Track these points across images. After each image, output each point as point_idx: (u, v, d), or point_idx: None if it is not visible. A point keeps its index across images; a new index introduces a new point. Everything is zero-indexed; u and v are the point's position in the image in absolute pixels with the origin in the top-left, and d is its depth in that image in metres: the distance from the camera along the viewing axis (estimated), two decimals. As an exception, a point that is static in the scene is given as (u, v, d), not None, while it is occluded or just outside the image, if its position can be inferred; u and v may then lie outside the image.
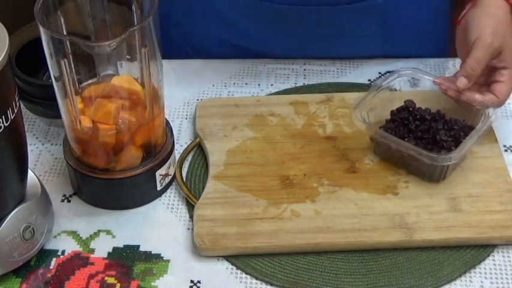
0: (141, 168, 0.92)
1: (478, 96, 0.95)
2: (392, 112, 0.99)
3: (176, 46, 1.18)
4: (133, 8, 0.89)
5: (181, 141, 1.03)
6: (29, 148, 0.92)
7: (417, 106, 0.99)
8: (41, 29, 0.81)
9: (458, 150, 0.91)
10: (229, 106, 1.05)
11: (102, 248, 0.91)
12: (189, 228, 0.92)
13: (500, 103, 0.95)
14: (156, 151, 0.93)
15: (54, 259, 0.89)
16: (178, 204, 0.95)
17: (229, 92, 1.10)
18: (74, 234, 0.92)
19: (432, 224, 0.90)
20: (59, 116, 0.91)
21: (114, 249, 0.90)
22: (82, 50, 0.84)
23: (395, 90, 1.01)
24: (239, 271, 0.88)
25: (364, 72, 1.13)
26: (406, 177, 0.95)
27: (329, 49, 1.14)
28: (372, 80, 1.11)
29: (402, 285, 0.86)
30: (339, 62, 1.15)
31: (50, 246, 0.91)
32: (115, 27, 0.90)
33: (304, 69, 1.14)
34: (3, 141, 0.78)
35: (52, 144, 1.03)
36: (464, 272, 0.87)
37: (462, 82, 0.95)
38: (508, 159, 0.98)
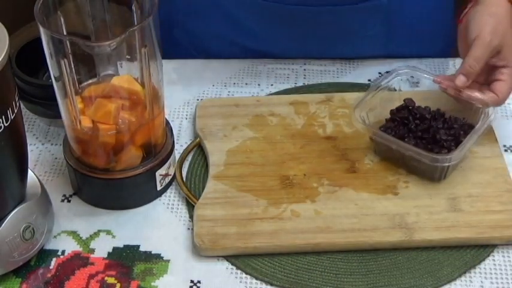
0: (141, 168, 0.92)
1: (477, 95, 0.95)
2: (391, 111, 0.99)
3: (180, 46, 1.18)
4: (133, 8, 0.89)
5: (181, 141, 1.03)
6: (29, 148, 0.92)
7: (417, 105, 0.99)
8: (41, 29, 0.81)
9: (459, 150, 0.91)
10: (229, 106, 1.05)
11: (102, 248, 0.91)
12: (189, 228, 0.92)
13: (500, 101, 0.96)
14: (156, 151, 0.93)
15: (54, 259, 0.89)
16: (178, 204, 0.95)
17: (229, 92, 1.10)
18: (74, 234, 0.92)
19: (432, 224, 0.90)
20: (59, 116, 0.91)
21: (114, 249, 0.90)
22: (82, 50, 0.84)
23: (395, 90, 1.01)
24: (239, 271, 0.88)
25: (364, 72, 1.13)
26: (406, 177, 0.96)
27: (333, 49, 1.14)
28: (372, 80, 1.11)
29: (402, 285, 0.86)
30: (339, 62, 1.15)
31: (50, 246, 0.91)
32: (115, 27, 0.90)
33: (304, 69, 1.14)
34: (3, 141, 0.78)
35: (52, 144, 1.03)
36: (464, 272, 0.87)
37: (461, 80, 0.95)
38: (508, 159, 0.98)
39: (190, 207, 0.94)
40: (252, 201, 0.93)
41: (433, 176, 0.94)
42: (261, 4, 1.08)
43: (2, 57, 0.74)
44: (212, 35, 1.15)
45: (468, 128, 0.95)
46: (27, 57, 1.00)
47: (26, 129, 0.91)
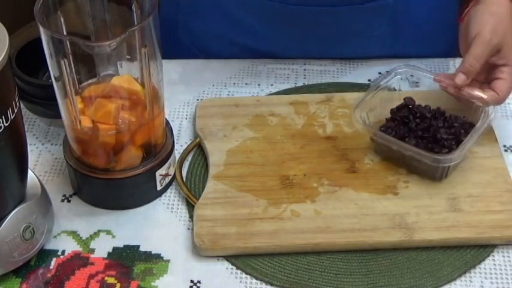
0: (141, 168, 0.92)
1: (478, 93, 0.95)
2: (392, 110, 0.99)
3: (182, 46, 1.18)
4: (134, 8, 0.89)
5: (181, 141, 1.03)
6: (29, 148, 0.92)
7: (417, 103, 0.99)
8: (41, 29, 0.81)
9: (459, 150, 0.91)
10: (229, 106, 1.05)
11: (102, 248, 0.91)
12: (189, 228, 0.92)
13: (500, 100, 0.96)
14: (156, 151, 0.93)
15: (54, 259, 0.89)
16: (178, 204, 0.95)
17: (229, 92, 1.10)
18: (74, 234, 0.92)
19: (432, 224, 0.90)
20: (59, 116, 0.91)
21: (114, 249, 0.90)
22: (82, 50, 0.84)
23: (395, 90, 1.01)
24: (239, 271, 0.88)
25: (364, 72, 1.13)
26: (406, 177, 0.96)
27: (339, 49, 1.13)
28: (372, 80, 1.11)
29: (402, 285, 0.86)
30: (339, 62, 1.15)
31: (50, 246, 0.91)
32: (115, 27, 0.90)
33: (304, 69, 1.14)
34: (3, 141, 0.78)
35: (52, 144, 1.03)
36: (464, 272, 0.87)
37: (460, 78, 0.95)
38: (508, 159, 0.98)
39: (190, 207, 0.94)
40: (252, 201, 0.93)
41: (434, 175, 0.94)
42: (264, 4, 1.08)
43: (2, 57, 0.74)
44: (213, 34, 1.15)
45: (469, 126, 0.95)
46: (27, 57, 1.00)
47: (26, 129, 0.91)
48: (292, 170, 0.97)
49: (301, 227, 0.90)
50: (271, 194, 0.94)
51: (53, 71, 0.86)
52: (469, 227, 0.90)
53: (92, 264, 0.89)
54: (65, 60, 0.84)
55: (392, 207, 0.92)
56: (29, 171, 0.89)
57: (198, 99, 1.09)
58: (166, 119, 0.96)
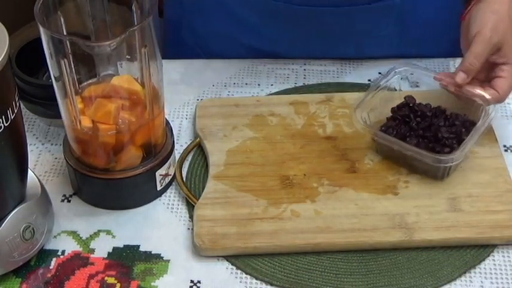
0: (141, 168, 0.92)
1: (478, 91, 0.95)
2: (393, 109, 0.99)
3: (187, 47, 1.18)
4: (133, 8, 0.89)
5: (181, 141, 1.03)
6: (29, 148, 0.92)
7: (417, 102, 0.99)
8: (41, 29, 0.81)
9: (460, 150, 0.91)
10: (229, 106, 1.05)
11: (102, 248, 0.91)
12: (189, 228, 0.92)
13: (500, 98, 0.96)
14: (156, 151, 0.93)
15: (54, 259, 0.89)
16: (178, 204, 0.95)
17: (229, 92, 1.10)
18: (74, 234, 0.92)
19: (432, 224, 0.90)
20: (59, 116, 0.91)
21: (114, 249, 0.90)
22: (82, 50, 0.84)
23: (395, 90, 1.01)
24: (239, 271, 0.88)
25: (364, 72, 1.13)
26: (406, 177, 0.96)
27: (345, 49, 1.13)
28: (372, 80, 1.11)
29: (402, 285, 0.86)
30: (339, 62, 1.15)
31: (50, 246, 0.91)
32: (115, 27, 0.90)
33: (304, 69, 1.14)
34: (3, 141, 0.78)
35: (52, 144, 1.03)
36: (464, 272, 0.87)
37: (461, 77, 0.95)
38: (508, 159, 0.98)
39: (190, 207, 0.94)
40: (252, 201, 0.93)
41: (436, 174, 0.94)
42: (270, 5, 1.08)
43: (2, 57, 0.74)
44: (217, 34, 1.15)
45: (470, 124, 0.95)
46: (27, 57, 1.00)
47: (26, 129, 0.91)
48: (292, 170, 0.97)
49: (301, 227, 0.90)
50: (271, 194, 0.94)
51: (53, 71, 0.86)
52: (469, 227, 0.90)
53: (92, 264, 0.89)
54: (65, 60, 0.84)
55: (392, 207, 0.92)
56: (29, 171, 0.89)
57: (198, 99, 1.09)
58: (166, 119, 0.96)
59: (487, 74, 0.98)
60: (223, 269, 0.88)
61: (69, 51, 0.84)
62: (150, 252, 0.90)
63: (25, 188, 0.87)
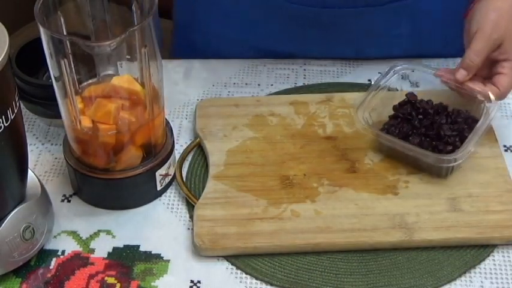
0: (141, 168, 0.92)
1: (479, 87, 0.95)
2: (394, 107, 0.99)
3: (198, 51, 1.18)
4: (133, 8, 0.89)
5: (181, 141, 1.03)
6: (29, 148, 0.92)
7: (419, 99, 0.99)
8: (41, 29, 0.81)
9: (462, 149, 0.91)
10: (229, 106, 1.05)
11: (102, 248, 0.91)
12: (189, 228, 0.92)
13: (501, 95, 0.96)
14: (156, 151, 0.93)
15: (54, 259, 0.89)
16: (178, 204, 0.95)
17: (229, 92, 1.10)
18: (74, 234, 0.92)
19: (432, 224, 0.90)
20: (59, 116, 0.91)
21: (114, 249, 0.90)
22: (82, 50, 0.84)
23: (396, 90, 1.01)
24: (239, 271, 0.88)
25: (364, 72, 1.13)
26: (406, 177, 0.96)
27: (359, 50, 1.13)
28: (372, 80, 1.11)
29: (402, 285, 0.86)
30: (339, 62, 1.15)
31: (50, 246, 0.91)
32: (115, 27, 0.90)
33: (304, 69, 1.14)
34: (3, 141, 0.78)
35: (52, 144, 1.03)
36: (464, 272, 0.87)
37: (461, 74, 0.95)
38: (508, 159, 0.98)
39: (190, 207, 0.94)
40: (252, 201, 0.93)
41: (439, 172, 0.94)
42: (282, 6, 1.07)
43: (2, 57, 0.74)
44: (230, 38, 1.15)
45: (472, 121, 0.95)
46: (27, 57, 1.00)
47: (26, 129, 0.91)
48: (292, 170, 0.97)
49: (301, 227, 0.90)
50: (271, 194, 0.94)
51: (53, 71, 0.86)
52: (469, 227, 0.90)
53: (92, 264, 0.89)
54: (65, 60, 0.84)
55: (392, 207, 0.92)
56: (29, 171, 0.89)
57: (198, 99, 1.09)
58: (166, 119, 0.96)
59: (488, 71, 0.98)
60: (223, 269, 0.88)
61: (69, 51, 0.84)
62: (150, 252, 0.90)
63: (25, 188, 0.87)
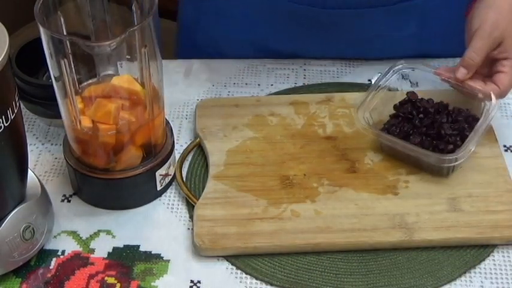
0: (141, 168, 0.92)
1: (479, 86, 0.95)
2: (395, 106, 0.99)
3: (202, 51, 1.18)
4: (133, 8, 0.89)
5: (181, 141, 1.03)
6: (29, 148, 0.92)
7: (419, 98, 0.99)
8: (41, 29, 0.81)
9: (463, 148, 0.91)
10: (229, 106, 1.05)
11: (102, 248, 0.91)
12: (189, 228, 0.92)
13: (502, 93, 0.96)
14: (156, 151, 0.93)
15: (54, 259, 0.89)
16: (178, 204, 0.95)
17: (229, 92, 1.10)
18: (74, 234, 0.92)
19: (432, 224, 0.90)
20: (59, 116, 0.91)
21: (114, 249, 0.90)
22: (82, 50, 0.84)
23: (397, 90, 1.01)
24: (239, 271, 0.88)
25: (364, 72, 1.13)
26: (406, 177, 0.96)
27: (366, 50, 1.13)
28: (372, 80, 1.11)
29: (402, 285, 0.86)
30: (339, 62, 1.15)
31: (50, 246, 0.91)
32: (115, 27, 0.90)
33: (304, 69, 1.14)
34: (3, 141, 0.78)
35: (52, 144, 1.03)
36: (464, 272, 0.87)
37: (461, 72, 0.95)
38: (508, 159, 0.98)
39: (190, 207, 0.94)
40: (252, 201, 0.93)
41: (441, 171, 0.94)
42: (290, 8, 1.07)
43: (2, 57, 0.74)
44: (234, 39, 1.15)
45: (472, 120, 0.95)
46: (27, 57, 1.00)
47: (26, 129, 0.91)
48: (292, 170, 0.97)
49: (301, 227, 0.90)
50: (271, 194, 0.94)
51: (53, 71, 0.86)
52: (469, 227, 0.90)
53: (92, 264, 0.89)
54: (65, 60, 0.84)
55: (392, 207, 0.92)
56: (29, 171, 0.89)
57: (198, 99, 1.09)
58: (166, 119, 0.96)
59: (489, 70, 0.98)
60: (223, 269, 0.88)
61: (69, 51, 0.84)
62: (150, 252, 0.90)
63: (25, 188, 0.87)
